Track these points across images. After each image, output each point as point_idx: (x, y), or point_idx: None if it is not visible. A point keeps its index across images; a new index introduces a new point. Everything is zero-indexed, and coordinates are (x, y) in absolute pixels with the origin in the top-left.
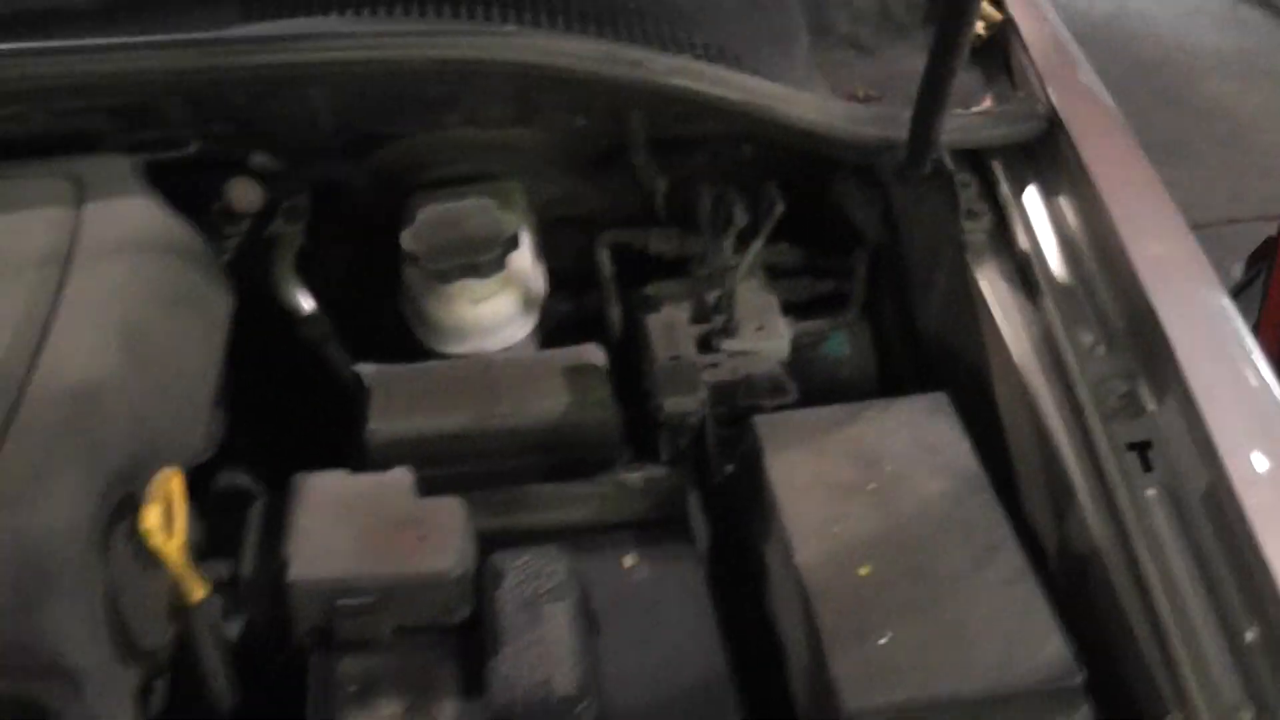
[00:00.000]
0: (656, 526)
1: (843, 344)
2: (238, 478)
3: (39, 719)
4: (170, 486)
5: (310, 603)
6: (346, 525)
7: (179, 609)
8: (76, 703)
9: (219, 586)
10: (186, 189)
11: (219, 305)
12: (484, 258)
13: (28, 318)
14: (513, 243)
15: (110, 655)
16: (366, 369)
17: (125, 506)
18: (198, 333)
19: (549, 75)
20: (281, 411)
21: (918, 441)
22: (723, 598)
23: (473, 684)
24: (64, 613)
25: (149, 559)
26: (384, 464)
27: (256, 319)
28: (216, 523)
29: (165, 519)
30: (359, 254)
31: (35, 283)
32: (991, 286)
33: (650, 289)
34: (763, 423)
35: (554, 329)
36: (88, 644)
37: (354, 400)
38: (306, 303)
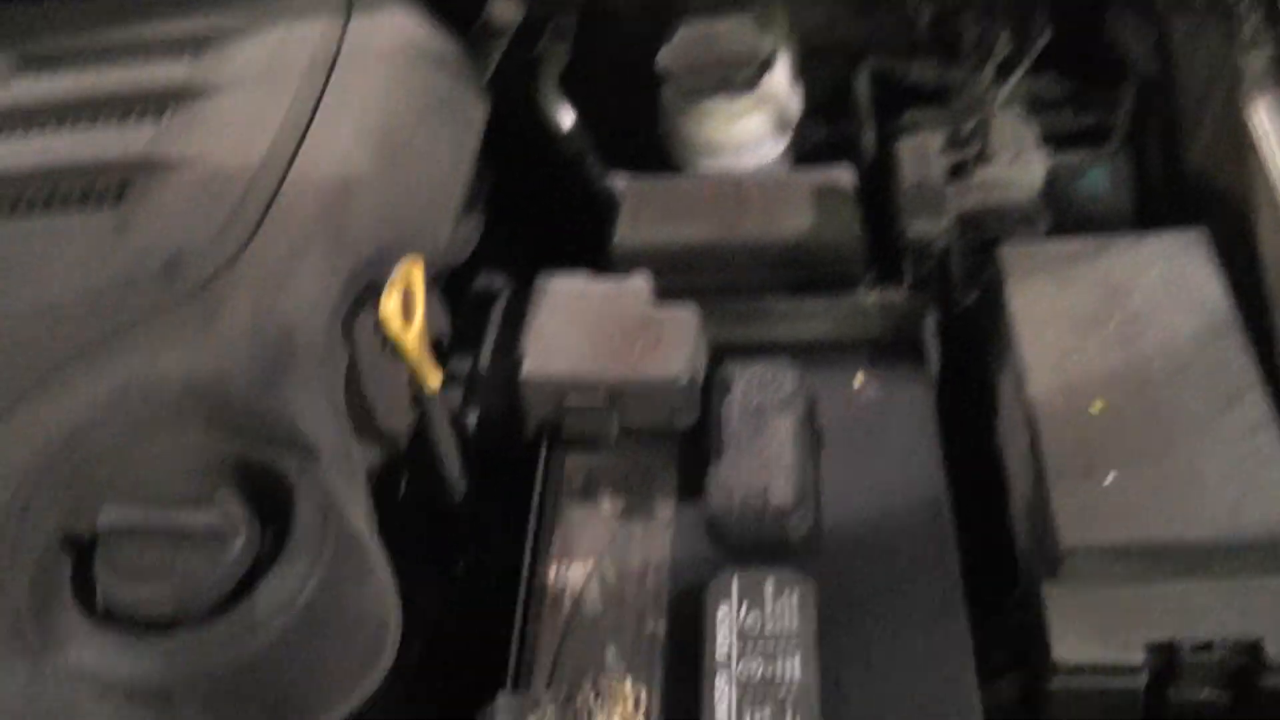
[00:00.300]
0: (890, 348)
1: (1100, 179)
2: (493, 279)
3: (275, 484)
4: (410, 276)
5: (541, 399)
6: (582, 326)
7: (417, 397)
8: (310, 472)
9: (460, 379)
10: (451, 6)
11: (474, 113)
12: (738, 75)
13: (291, 118)
14: (769, 62)
15: (346, 433)
16: (619, 180)
17: (369, 294)
18: (451, 138)
19: None
20: (539, 220)
21: (1169, 278)
22: (949, 427)
23: (692, 488)
24: (305, 388)
25: (390, 347)
26: (629, 272)
27: (518, 131)
28: (469, 321)
29: (403, 307)
30: (621, 74)
31: (301, 86)
32: (1267, 122)
33: (906, 117)
34: (1008, 251)
35: (807, 153)
36: (325, 420)
37: (605, 211)
38: (567, 117)
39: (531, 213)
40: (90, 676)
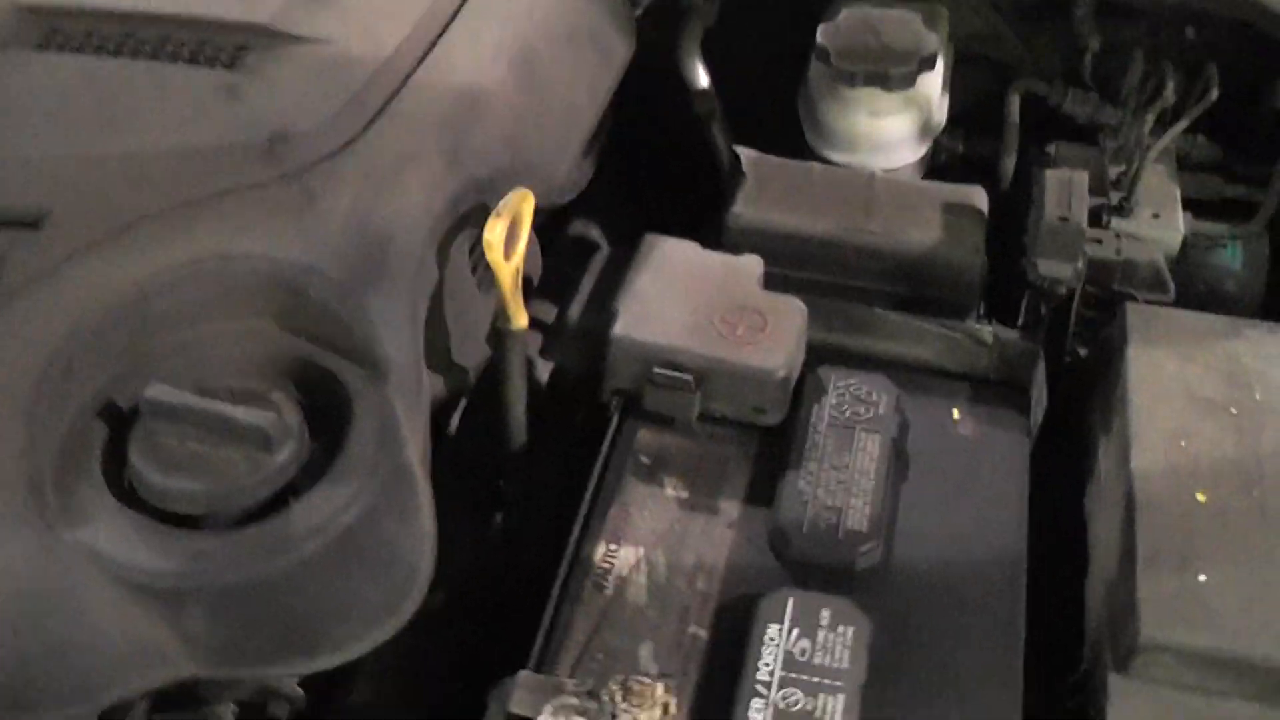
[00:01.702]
0: (995, 387)
1: (1236, 256)
2: (590, 229)
3: (334, 397)
4: (521, 206)
5: (627, 363)
6: (685, 296)
7: (498, 333)
8: (374, 392)
9: (542, 326)
10: None
11: (617, 52)
12: (897, 70)
13: (431, 14)
14: (929, 63)
15: (419, 357)
16: (747, 152)
17: (474, 216)
18: (589, 71)
19: None
20: (648, 175)
21: None
22: (1039, 481)
23: (763, 491)
24: (388, 300)
25: (483, 276)
26: (737, 249)
27: (646, 82)
28: (558, 268)
29: (508, 237)
30: (763, 45)
31: None
32: None
33: (1051, 148)
34: (1135, 311)
35: (940, 166)
36: (402, 339)
37: (725, 181)
38: (702, 79)
39: (643, 169)
40: (103, 560)
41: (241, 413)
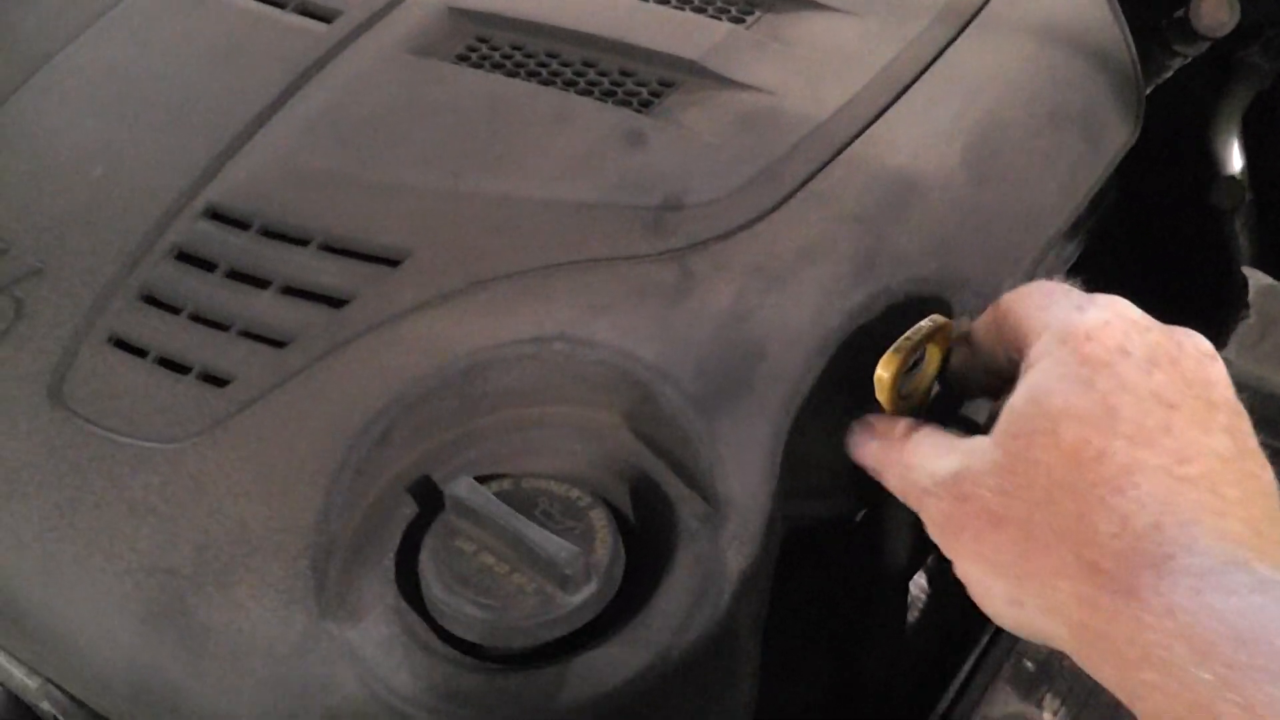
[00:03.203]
0: None
1: None
2: None
3: (663, 526)
4: (933, 340)
5: None
6: None
7: None
8: (705, 533)
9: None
10: None
11: (1112, 138)
12: None
13: (888, 75)
14: None
15: (770, 498)
16: (1258, 277)
17: (879, 331)
18: (1068, 162)
19: None
20: (1147, 281)
21: None
22: None
23: None
24: (746, 429)
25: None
26: None
27: (1160, 163)
28: None
29: (904, 375)
30: None
31: (919, 35)
32: None
33: None
34: None
35: None
36: (753, 475)
37: (1227, 305)
38: (1236, 161)
39: (1144, 271)
40: (357, 664)
41: (543, 539)
